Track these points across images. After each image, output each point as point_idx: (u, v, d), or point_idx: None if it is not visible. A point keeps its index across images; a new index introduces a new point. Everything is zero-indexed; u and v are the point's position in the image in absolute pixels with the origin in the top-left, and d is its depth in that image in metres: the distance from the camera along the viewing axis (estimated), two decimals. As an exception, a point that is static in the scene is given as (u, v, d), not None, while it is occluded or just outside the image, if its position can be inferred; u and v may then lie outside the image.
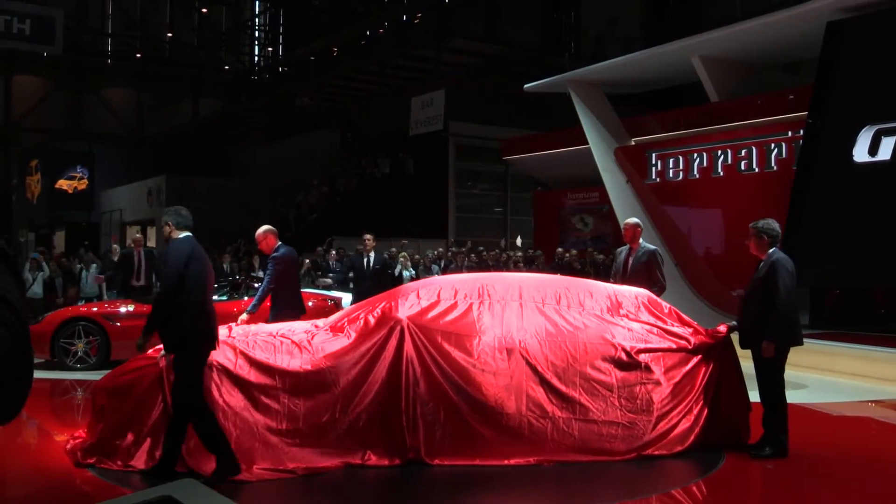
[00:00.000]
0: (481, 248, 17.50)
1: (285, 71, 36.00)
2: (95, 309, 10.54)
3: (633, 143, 15.39)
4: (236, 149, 33.75)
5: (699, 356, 5.86)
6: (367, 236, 11.31)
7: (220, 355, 5.28)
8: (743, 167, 13.28)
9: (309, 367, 5.36)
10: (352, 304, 8.57)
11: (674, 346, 5.84)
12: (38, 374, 8.57)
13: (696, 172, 13.98)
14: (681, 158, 14.21)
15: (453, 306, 5.74)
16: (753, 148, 13.15)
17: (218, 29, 38.67)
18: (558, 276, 7.03)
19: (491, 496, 5.15)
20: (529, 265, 16.01)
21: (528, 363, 5.51)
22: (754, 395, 5.87)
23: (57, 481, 5.26)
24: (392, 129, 25.62)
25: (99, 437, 5.43)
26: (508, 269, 14.92)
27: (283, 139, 31.07)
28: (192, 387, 4.96)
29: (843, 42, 11.21)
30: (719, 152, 13.61)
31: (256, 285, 11.45)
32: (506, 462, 5.34)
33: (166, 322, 4.99)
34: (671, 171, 14.36)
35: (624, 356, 5.65)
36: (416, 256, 15.67)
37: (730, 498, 5.23)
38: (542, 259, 16.69)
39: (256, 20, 39.39)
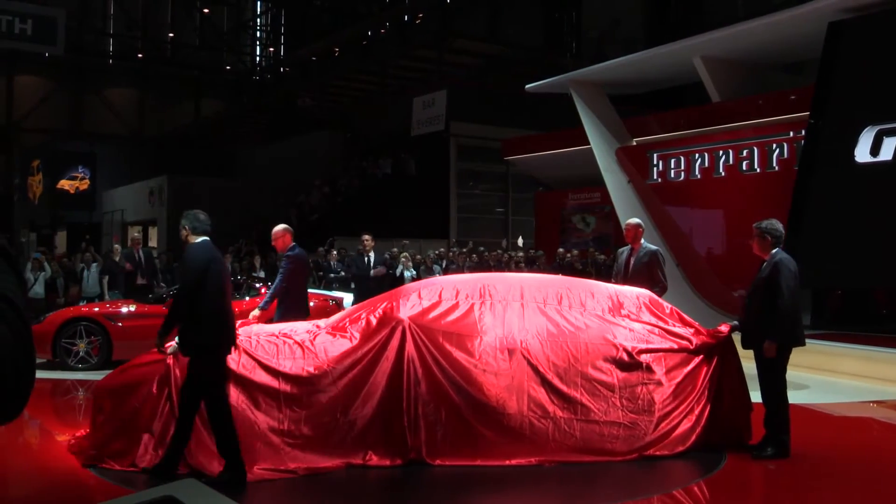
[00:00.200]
0: (482, 249, 17.49)
1: (287, 71, 36.00)
2: (97, 309, 10.55)
3: (634, 143, 15.38)
4: (238, 149, 33.72)
5: (701, 356, 5.86)
6: (366, 237, 11.32)
7: (222, 355, 5.28)
8: (744, 167, 13.27)
9: (310, 368, 5.36)
10: (353, 304, 8.58)
11: (675, 347, 5.84)
12: (39, 375, 8.56)
13: (697, 173, 13.98)
14: (682, 159, 14.21)
15: (455, 306, 5.74)
16: (755, 148, 13.14)
17: (219, 29, 38.66)
18: (560, 277, 7.03)
19: (492, 496, 5.15)
20: (531, 265, 16.01)
21: (530, 363, 5.51)
22: (756, 396, 5.87)
23: (58, 481, 5.26)
24: (393, 130, 25.62)
25: (101, 437, 5.43)
26: (510, 270, 14.92)
27: (284, 139, 31.06)
28: (215, 389, 4.96)
29: (844, 42, 11.20)
30: (721, 153, 13.60)
31: (258, 285, 11.48)
32: (507, 462, 5.34)
33: (185, 326, 4.99)
34: (672, 171, 14.35)
35: (625, 356, 5.65)
36: (418, 257, 15.66)
37: (731, 498, 5.23)
38: (544, 259, 16.69)
39: (258, 20, 39.37)
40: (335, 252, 15.62)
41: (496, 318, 5.69)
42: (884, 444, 6.82)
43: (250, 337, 5.56)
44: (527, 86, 17.04)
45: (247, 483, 4.90)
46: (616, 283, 7.21)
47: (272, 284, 7.71)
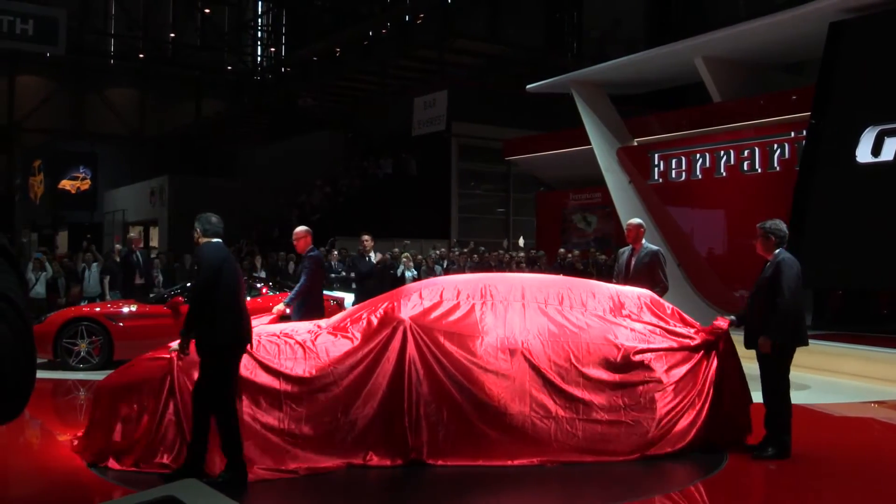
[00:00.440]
0: (482, 249, 17.48)
1: (288, 71, 36.00)
2: (98, 309, 10.55)
3: (635, 143, 15.37)
4: (239, 149, 33.71)
5: (701, 354, 5.86)
6: (366, 237, 11.32)
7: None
8: (745, 168, 13.26)
9: (312, 368, 5.36)
10: (354, 304, 8.59)
11: (676, 346, 5.84)
12: (40, 375, 8.57)
13: (698, 173, 13.97)
14: (683, 159, 14.20)
15: (456, 307, 5.74)
16: (756, 148, 13.13)
17: (221, 29, 38.68)
18: (561, 277, 7.04)
19: (492, 497, 5.14)
20: (532, 266, 16.01)
21: (531, 364, 5.51)
22: (758, 396, 5.86)
23: (59, 481, 5.26)
24: (395, 130, 25.63)
25: (102, 437, 5.43)
26: (511, 270, 14.92)
27: (285, 139, 31.06)
28: (225, 388, 4.96)
29: (845, 42, 11.19)
30: (722, 153, 13.59)
31: (258, 285, 11.47)
32: (509, 463, 5.34)
33: (201, 326, 4.99)
34: (674, 171, 14.34)
35: (627, 356, 5.65)
36: (419, 257, 15.66)
37: (732, 498, 5.23)
38: (545, 259, 16.69)
39: (259, 20, 39.38)
40: (336, 252, 15.62)
41: (497, 319, 5.69)
42: (885, 445, 6.82)
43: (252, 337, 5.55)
44: (528, 86, 17.04)
45: (247, 483, 4.90)
46: (617, 283, 7.21)
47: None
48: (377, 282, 11.19)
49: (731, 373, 5.87)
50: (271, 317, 6.82)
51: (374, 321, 5.65)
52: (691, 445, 5.63)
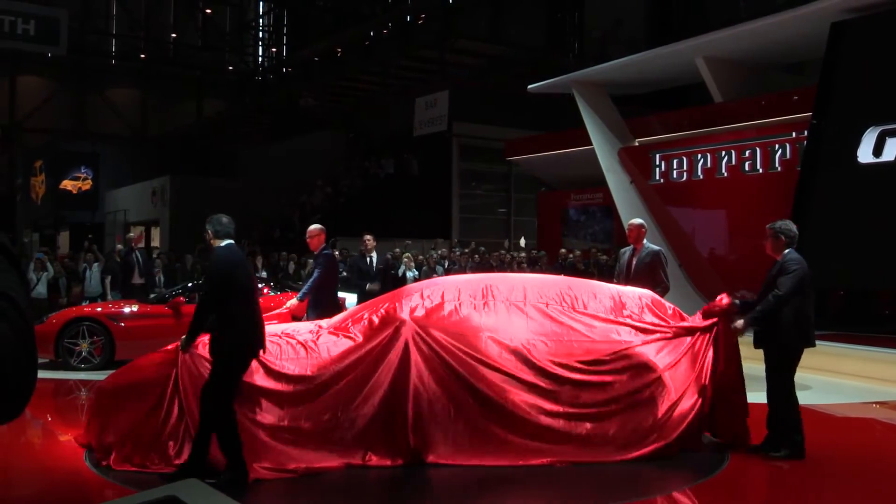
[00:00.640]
0: (482, 249, 17.47)
1: (289, 71, 35.98)
2: (100, 309, 10.56)
3: (636, 143, 15.37)
4: (240, 149, 33.72)
5: (701, 354, 5.86)
6: (367, 237, 11.31)
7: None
8: (747, 168, 13.25)
9: (313, 368, 5.36)
10: (356, 304, 8.60)
11: (676, 346, 5.84)
12: (41, 375, 8.58)
13: (699, 173, 13.96)
14: (684, 159, 14.19)
15: (457, 307, 5.74)
16: (757, 149, 13.12)
17: (222, 29, 38.67)
18: (562, 277, 7.04)
19: (492, 496, 5.14)
20: (533, 266, 16.00)
21: (532, 364, 5.51)
22: (761, 397, 5.86)
23: (59, 481, 5.27)
24: (396, 130, 25.63)
25: (103, 437, 5.43)
26: (512, 270, 14.91)
27: (286, 139, 31.07)
28: (228, 390, 4.96)
29: (847, 43, 11.18)
30: (723, 153, 13.58)
31: (260, 285, 11.47)
32: (510, 462, 5.33)
33: (215, 329, 4.98)
34: (675, 171, 14.33)
35: (628, 356, 5.65)
36: (420, 257, 15.65)
37: (733, 499, 5.23)
38: (546, 260, 16.67)
39: (260, 21, 39.39)
40: (337, 252, 15.61)
41: (499, 319, 5.70)
42: (886, 445, 6.82)
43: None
44: (529, 86, 17.03)
45: (248, 483, 4.90)
46: (618, 283, 7.21)
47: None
48: (380, 283, 11.17)
49: (731, 374, 5.86)
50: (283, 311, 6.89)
51: (376, 321, 5.66)
52: (692, 442, 5.63)
